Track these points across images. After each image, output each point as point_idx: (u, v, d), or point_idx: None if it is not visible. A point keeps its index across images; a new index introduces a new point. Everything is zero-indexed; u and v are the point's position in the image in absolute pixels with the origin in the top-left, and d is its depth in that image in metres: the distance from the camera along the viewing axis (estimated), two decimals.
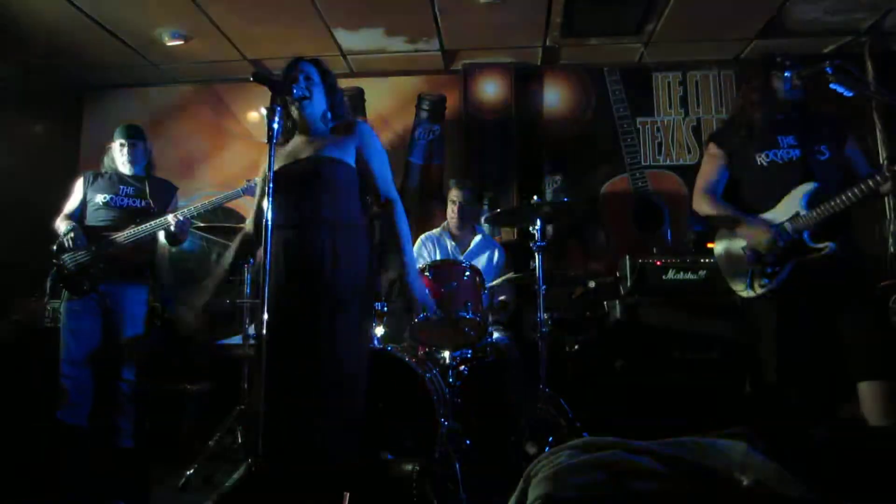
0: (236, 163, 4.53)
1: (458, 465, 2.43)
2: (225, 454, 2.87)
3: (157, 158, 3.33)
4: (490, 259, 3.53)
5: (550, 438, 2.68)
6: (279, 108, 1.86)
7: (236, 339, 3.49)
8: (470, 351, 2.92)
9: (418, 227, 3.96)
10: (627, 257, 3.44)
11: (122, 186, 3.11)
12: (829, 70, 2.04)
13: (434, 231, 3.69)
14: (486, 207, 4.12)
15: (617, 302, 3.39)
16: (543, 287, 2.82)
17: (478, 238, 3.61)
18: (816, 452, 1.51)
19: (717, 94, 4.41)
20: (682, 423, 2.08)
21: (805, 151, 2.29)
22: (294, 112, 2.08)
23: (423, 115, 4.50)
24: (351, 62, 4.38)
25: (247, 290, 3.10)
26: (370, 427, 1.97)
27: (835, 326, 2.18)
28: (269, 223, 1.78)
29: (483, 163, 4.30)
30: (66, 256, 2.96)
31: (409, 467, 1.36)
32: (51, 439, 1.70)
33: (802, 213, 2.21)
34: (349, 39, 4.07)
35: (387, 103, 4.54)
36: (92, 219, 3.06)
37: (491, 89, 4.41)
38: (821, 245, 2.19)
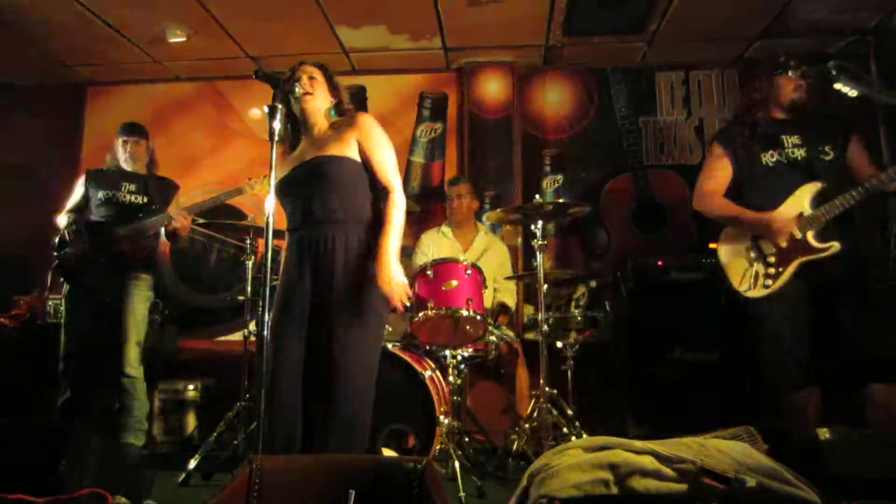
0: (238, 160, 4.52)
1: (457, 465, 2.43)
2: (225, 450, 2.87)
3: (159, 155, 3.33)
4: (491, 258, 3.53)
5: (551, 438, 2.68)
6: (280, 107, 1.86)
7: (237, 336, 3.50)
8: (471, 349, 2.92)
9: (419, 226, 3.96)
10: (629, 257, 3.44)
11: (124, 183, 3.12)
12: (833, 70, 2.03)
13: (435, 229, 3.69)
14: (486, 206, 4.12)
15: (617, 302, 3.39)
16: (544, 286, 2.82)
17: (479, 236, 3.61)
18: (816, 452, 1.51)
19: (721, 94, 4.39)
20: (682, 423, 2.08)
21: (810, 151, 2.28)
22: (296, 110, 2.08)
23: (425, 113, 4.49)
24: (353, 59, 4.37)
25: (248, 287, 3.10)
26: (370, 426, 1.96)
27: (838, 327, 2.17)
28: (269, 223, 1.79)
29: (484, 161, 4.30)
30: (66, 251, 2.97)
31: (410, 466, 1.35)
32: (51, 434, 1.70)
33: (807, 212, 2.21)
34: (351, 37, 4.07)
35: (388, 101, 4.53)
36: (94, 215, 3.07)
37: (493, 88, 4.40)
38: (825, 245, 2.18)
